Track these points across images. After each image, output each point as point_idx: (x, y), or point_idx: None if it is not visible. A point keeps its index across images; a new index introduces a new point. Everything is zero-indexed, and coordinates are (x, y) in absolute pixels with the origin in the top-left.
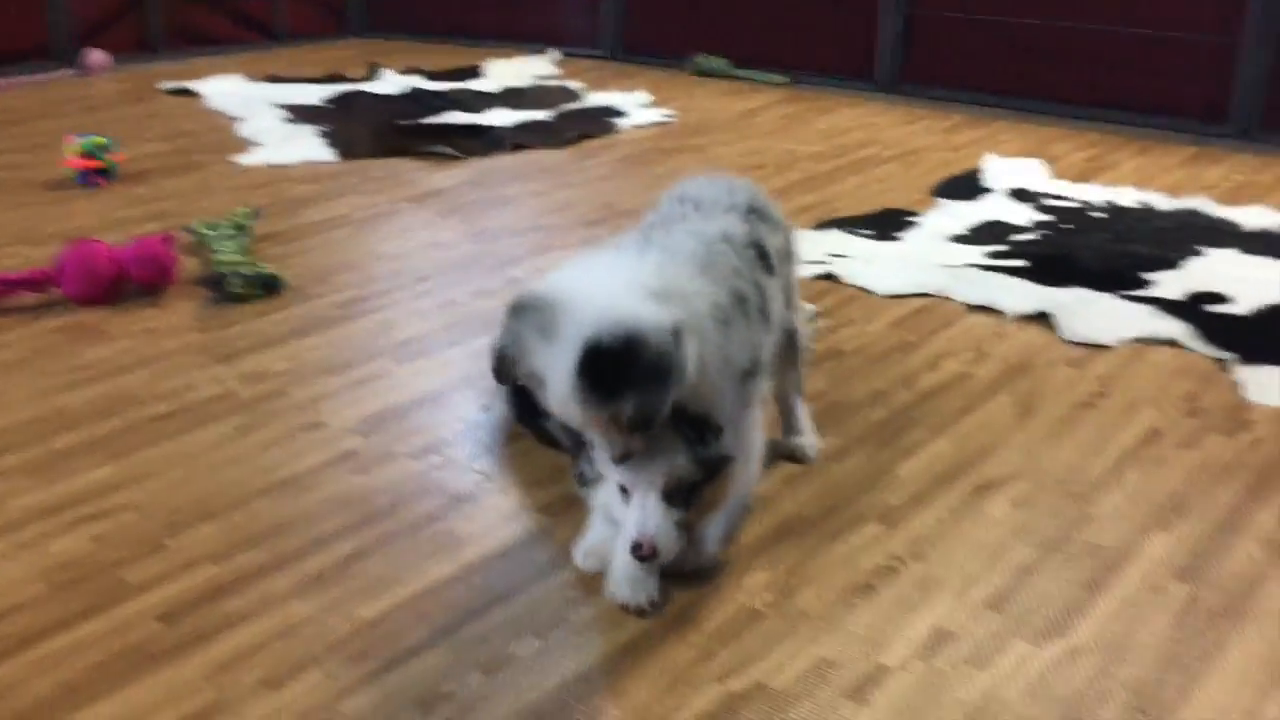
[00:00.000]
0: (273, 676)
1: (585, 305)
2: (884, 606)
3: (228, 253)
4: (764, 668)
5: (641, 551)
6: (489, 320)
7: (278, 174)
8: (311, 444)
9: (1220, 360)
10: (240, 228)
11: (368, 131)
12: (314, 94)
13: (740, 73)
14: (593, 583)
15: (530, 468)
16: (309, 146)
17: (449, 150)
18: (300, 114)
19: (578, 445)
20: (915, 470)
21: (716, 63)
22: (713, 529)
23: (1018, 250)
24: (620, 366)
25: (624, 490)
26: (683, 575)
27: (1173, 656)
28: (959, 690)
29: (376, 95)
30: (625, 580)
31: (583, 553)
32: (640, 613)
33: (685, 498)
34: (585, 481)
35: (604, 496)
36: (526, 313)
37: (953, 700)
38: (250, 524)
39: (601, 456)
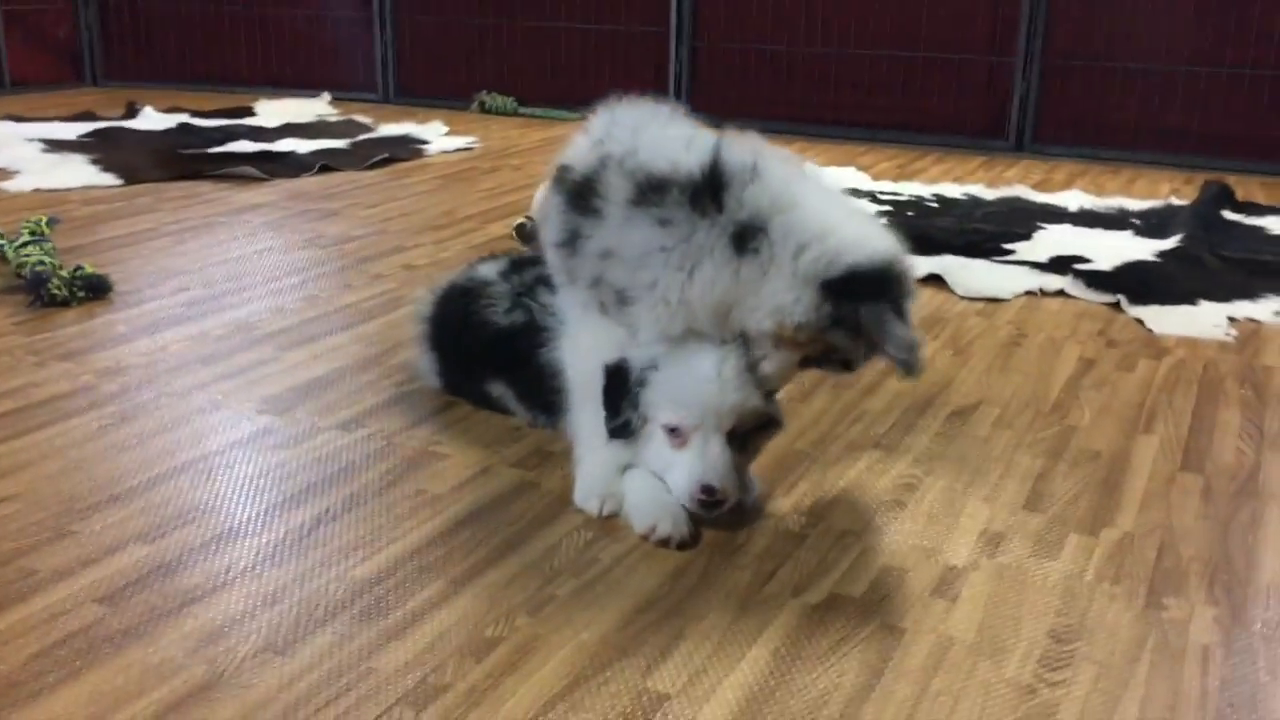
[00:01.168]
0: (275, 643)
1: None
2: (920, 519)
3: (35, 256)
4: (833, 580)
5: (715, 496)
6: (363, 312)
7: (54, 197)
8: (210, 426)
9: (1110, 303)
10: (38, 234)
11: (149, 159)
12: (67, 130)
13: (526, 110)
14: (607, 525)
15: (481, 430)
16: (82, 173)
17: (252, 171)
18: (58, 146)
19: (616, 395)
20: (884, 405)
21: (502, 101)
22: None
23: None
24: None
25: (672, 431)
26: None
27: (1222, 533)
28: (1038, 578)
29: (142, 131)
30: (664, 514)
31: (594, 497)
32: (682, 545)
33: (744, 443)
34: (627, 431)
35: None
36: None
37: (1037, 586)
38: (172, 502)
39: (664, 396)
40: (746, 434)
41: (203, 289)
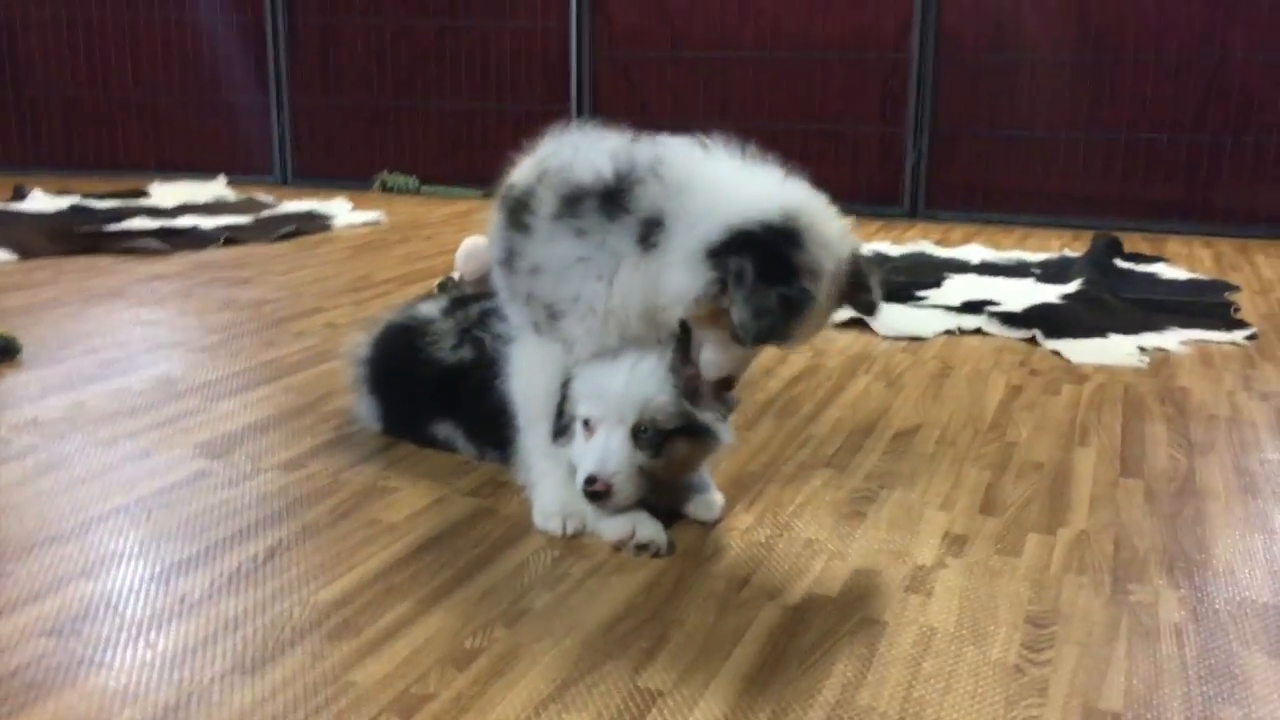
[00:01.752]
0: (244, 663)
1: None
2: (882, 526)
3: None
4: (807, 583)
5: (595, 486)
6: (289, 366)
7: None
8: (143, 471)
9: (1026, 339)
10: None
11: (43, 236)
12: None
13: (429, 189)
14: (573, 544)
15: (430, 465)
16: None
17: (155, 244)
18: None
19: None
20: (827, 430)
21: (404, 180)
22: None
23: None
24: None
25: (586, 425)
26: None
27: (1171, 527)
28: (1005, 572)
29: (33, 212)
30: (641, 520)
31: (554, 516)
32: (657, 553)
33: (655, 444)
34: (565, 432)
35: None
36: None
37: (1008, 577)
38: (112, 541)
39: (581, 389)
40: (662, 435)
41: (117, 350)
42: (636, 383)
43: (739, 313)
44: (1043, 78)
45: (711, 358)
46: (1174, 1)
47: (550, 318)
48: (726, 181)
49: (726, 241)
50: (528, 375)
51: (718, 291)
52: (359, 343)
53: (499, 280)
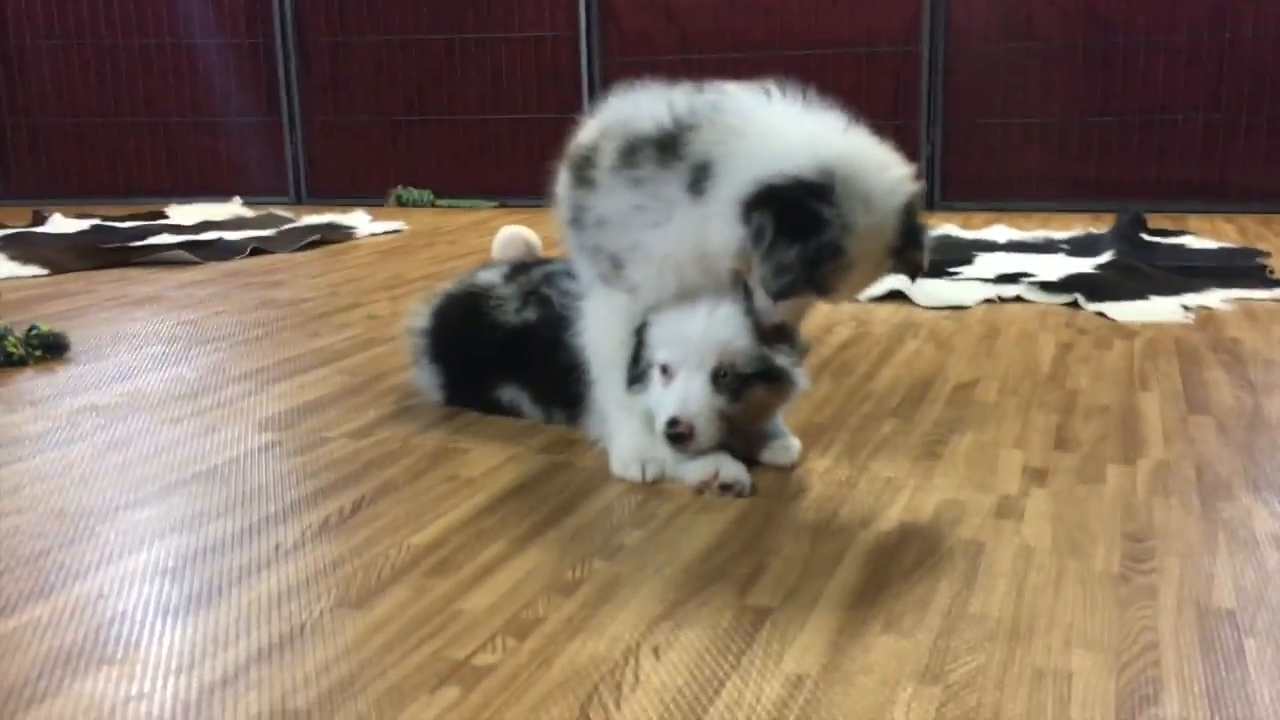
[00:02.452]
0: (350, 598)
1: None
2: (960, 464)
3: None
4: (897, 512)
5: (678, 429)
6: (339, 352)
7: None
8: (212, 445)
9: (1068, 303)
10: None
11: (70, 253)
12: None
13: (443, 202)
14: (655, 488)
15: (498, 428)
16: (2, 268)
17: (184, 255)
18: None
19: (637, 347)
20: (886, 386)
21: (418, 194)
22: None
23: None
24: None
25: (665, 372)
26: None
27: (1249, 454)
28: (1093, 498)
29: (55, 233)
30: (724, 462)
31: (634, 463)
32: (741, 493)
33: (734, 388)
34: (642, 379)
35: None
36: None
37: (1096, 502)
38: (193, 504)
39: (659, 335)
40: (741, 380)
41: (164, 345)
42: (715, 327)
43: (758, 269)
44: (1054, 65)
45: (764, 305)
46: None
47: (614, 267)
48: (775, 129)
49: (754, 196)
50: (599, 326)
51: (749, 248)
52: (417, 313)
53: (569, 239)
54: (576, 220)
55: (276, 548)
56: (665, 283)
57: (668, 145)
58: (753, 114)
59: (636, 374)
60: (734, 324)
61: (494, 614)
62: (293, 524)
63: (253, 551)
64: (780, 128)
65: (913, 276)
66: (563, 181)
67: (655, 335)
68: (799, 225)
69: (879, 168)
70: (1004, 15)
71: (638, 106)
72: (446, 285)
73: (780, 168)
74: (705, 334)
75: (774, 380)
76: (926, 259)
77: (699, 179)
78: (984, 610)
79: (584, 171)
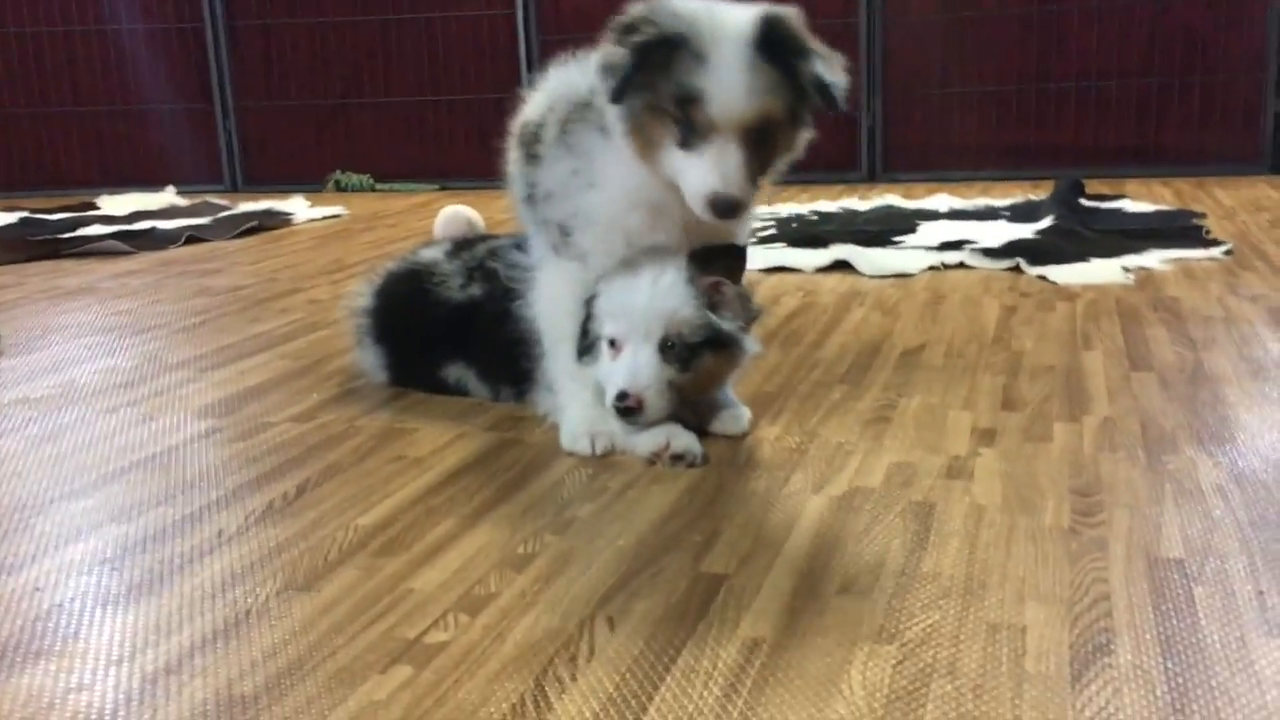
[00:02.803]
0: (297, 581)
1: None
2: (909, 426)
3: None
4: (848, 476)
5: (627, 402)
6: (279, 337)
7: None
8: (150, 433)
9: (1010, 268)
10: None
11: None
12: None
13: (383, 186)
14: (606, 461)
15: (444, 408)
16: None
17: (117, 245)
18: None
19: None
20: (834, 354)
21: (357, 179)
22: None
23: (773, 238)
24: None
25: (612, 345)
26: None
27: (1191, 408)
28: (1040, 454)
29: None
30: (675, 432)
31: (583, 436)
32: (692, 463)
33: (682, 358)
34: (590, 351)
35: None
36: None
37: (1044, 459)
38: (133, 492)
39: (605, 307)
40: (690, 349)
41: (98, 335)
42: (660, 297)
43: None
44: (990, 33)
45: (693, 174)
46: None
47: (563, 236)
48: None
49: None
50: (550, 299)
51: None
52: (359, 293)
53: (524, 216)
54: (529, 197)
55: (219, 534)
56: (612, 244)
57: (589, 104)
58: None
59: (585, 346)
60: (677, 292)
61: (445, 591)
62: (236, 510)
63: (195, 539)
64: None
65: (825, 99)
66: (513, 159)
67: (601, 308)
68: (631, 43)
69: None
70: None
71: (572, 76)
72: (389, 264)
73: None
74: (650, 304)
75: (723, 347)
76: (821, 70)
77: (603, 119)
78: (937, 569)
79: (532, 147)
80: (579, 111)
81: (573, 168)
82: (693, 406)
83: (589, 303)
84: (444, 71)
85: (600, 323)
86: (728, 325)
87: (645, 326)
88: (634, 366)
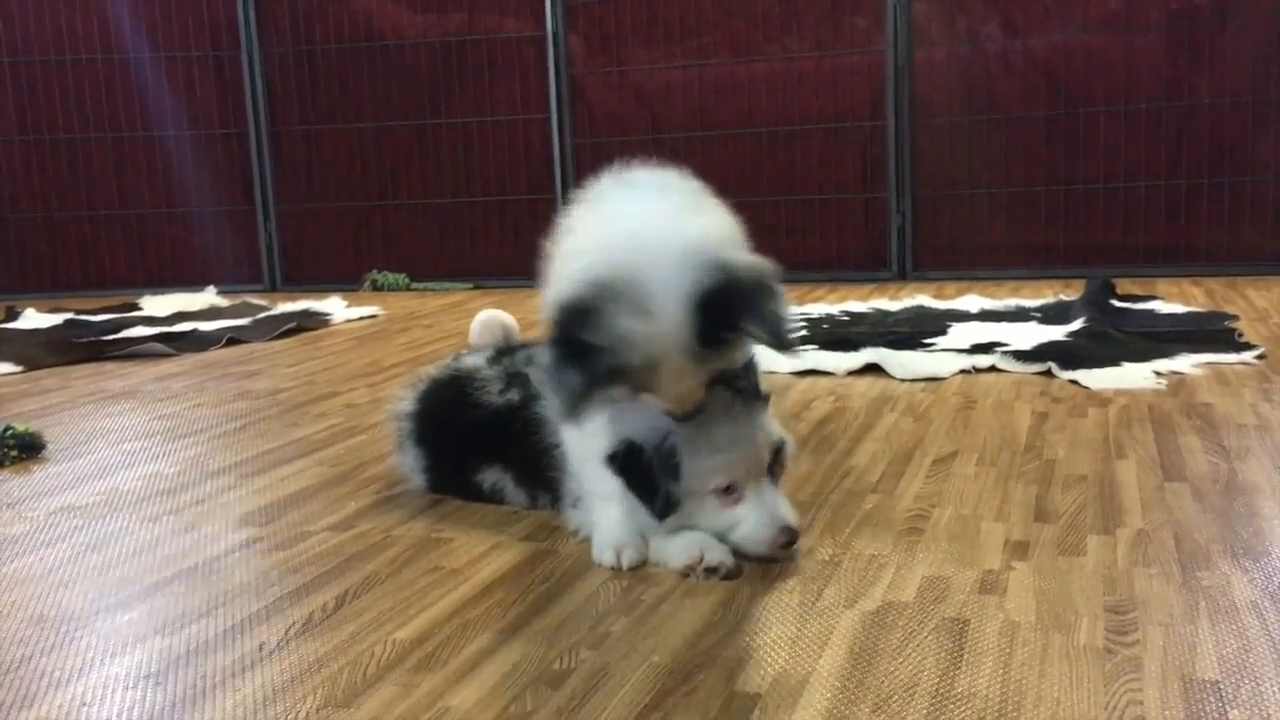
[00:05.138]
0: (337, 697)
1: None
2: (942, 539)
3: None
4: (881, 590)
5: (793, 537)
6: (318, 442)
7: None
8: (192, 543)
9: (1041, 372)
10: None
11: (43, 348)
12: None
13: (418, 285)
14: (641, 573)
15: (479, 516)
16: None
17: (159, 347)
18: None
19: (647, 475)
20: (866, 461)
21: (393, 278)
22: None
23: (805, 339)
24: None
25: (728, 491)
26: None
27: (1225, 521)
28: (1075, 570)
29: (28, 329)
30: (708, 545)
31: (608, 548)
32: (728, 575)
33: (774, 471)
34: (672, 507)
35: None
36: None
37: (1078, 574)
38: (176, 605)
39: (707, 465)
40: (772, 465)
41: (141, 440)
42: (754, 433)
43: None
44: (1017, 135)
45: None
46: (1140, 54)
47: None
48: (583, 241)
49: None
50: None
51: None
52: (402, 397)
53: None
54: None
55: (260, 647)
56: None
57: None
58: (576, 222)
59: (664, 504)
60: (755, 419)
61: (482, 710)
62: (276, 622)
63: (236, 653)
64: (586, 238)
65: (777, 349)
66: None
67: (699, 466)
68: (573, 353)
69: (666, 266)
70: (967, 87)
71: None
72: (431, 370)
73: (558, 291)
74: (753, 442)
75: (783, 449)
76: (769, 332)
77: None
78: (971, 689)
79: None
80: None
81: None
82: None
83: (647, 460)
84: (479, 174)
85: (702, 479)
86: (779, 431)
87: (760, 463)
88: (776, 503)
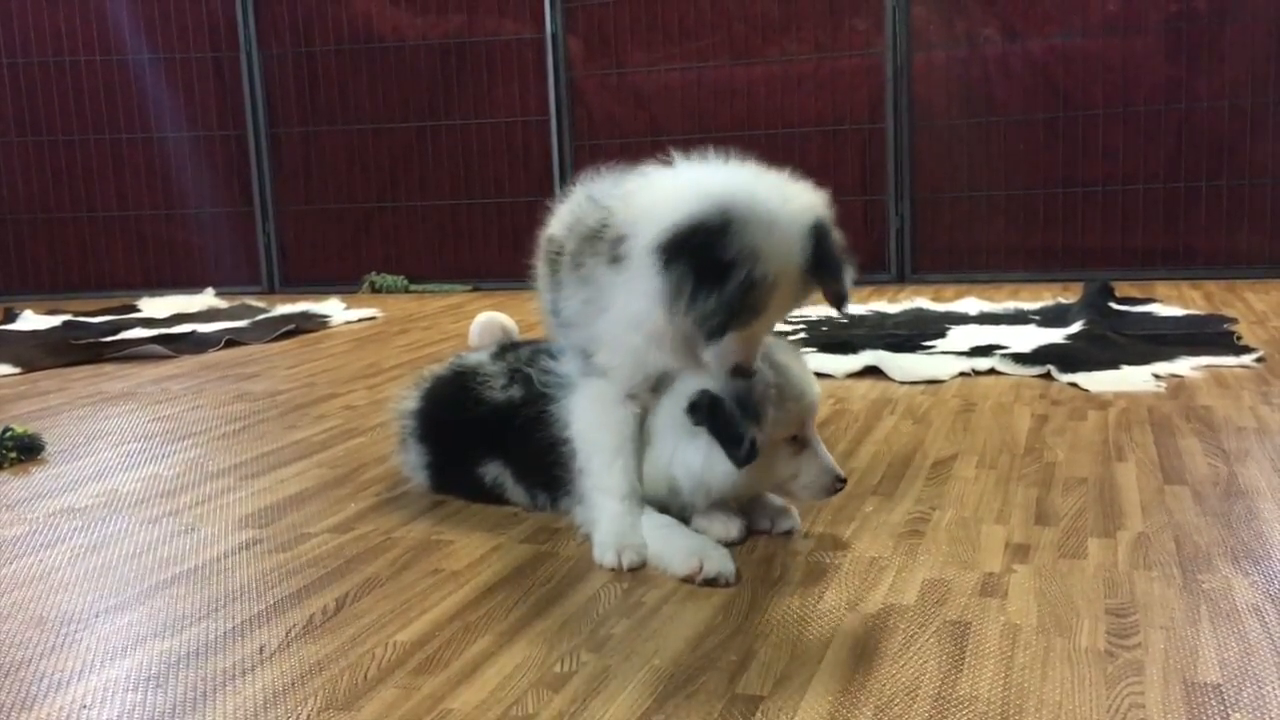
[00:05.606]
0: (337, 699)
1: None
2: (943, 542)
3: None
4: (882, 594)
5: (843, 484)
6: (317, 444)
7: None
8: (192, 545)
9: (1041, 375)
10: None
11: (41, 350)
12: None
13: (417, 287)
14: (642, 574)
15: (480, 519)
16: None
17: (158, 349)
18: None
19: (731, 423)
20: (866, 463)
21: (392, 280)
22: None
23: (804, 342)
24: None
25: (795, 439)
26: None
27: (1226, 524)
28: (1075, 572)
29: (26, 330)
30: (708, 553)
31: (610, 550)
32: (728, 582)
33: None
34: (755, 453)
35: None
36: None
37: (1078, 576)
38: (176, 606)
39: (792, 411)
40: None
41: (140, 442)
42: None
43: (686, 322)
44: (1016, 138)
45: (719, 352)
46: (1139, 57)
47: (585, 359)
48: (668, 186)
49: (662, 247)
50: (586, 415)
51: (672, 300)
52: (405, 395)
53: (548, 324)
54: (555, 313)
55: (261, 650)
56: (631, 364)
57: (598, 234)
58: (651, 179)
59: (750, 448)
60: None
61: (483, 713)
62: (277, 625)
63: (237, 655)
64: (672, 183)
65: (837, 305)
66: (541, 275)
67: (785, 413)
68: (712, 269)
69: (778, 196)
70: (965, 90)
71: (585, 203)
72: (435, 368)
73: (675, 217)
74: (819, 394)
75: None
76: (847, 285)
77: (615, 250)
78: (973, 692)
79: (555, 271)
80: (588, 243)
81: (585, 298)
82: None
83: (727, 409)
84: (478, 175)
85: (779, 427)
86: None
87: (815, 418)
88: (825, 453)
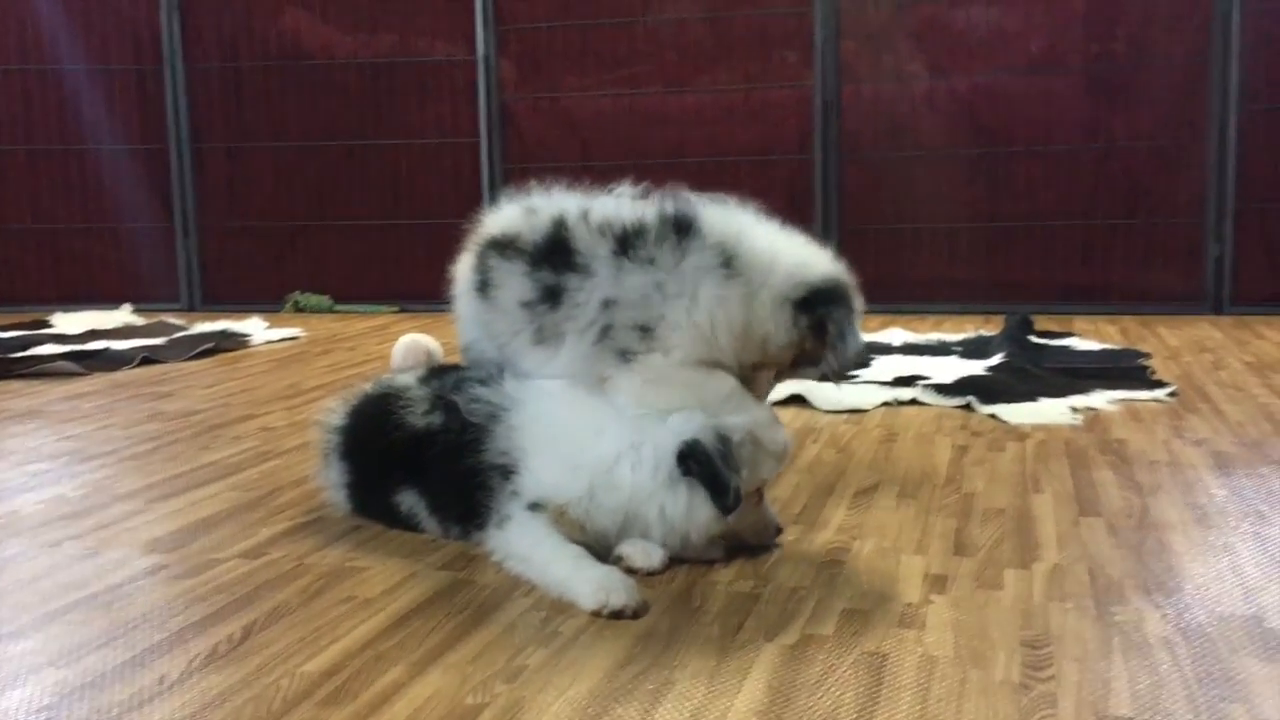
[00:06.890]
0: None
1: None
2: (862, 572)
3: None
4: (800, 624)
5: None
6: (231, 466)
7: None
8: (95, 570)
9: (961, 406)
10: None
11: None
12: None
13: (342, 307)
14: (560, 604)
15: (396, 545)
16: None
17: (69, 366)
18: None
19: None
20: (789, 492)
21: (317, 299)
22: None
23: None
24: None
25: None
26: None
27: (1138, 556)
28: (992, 603)
29: None
30: (612, 585)
31: (607, 592)
32: (636, 615)
33: None
34: (738, 502)
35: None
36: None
37: (995, 608)
38: (75, 633)
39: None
40: None
41: (45, 462)
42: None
43: (835, 354)
44: (941, 173)
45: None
46: (1059, 97)
47: (643, 336)
48: (775, 239)
49: (813, 296)
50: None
51: (807, 336)
52: (333, 410)
53: (522, 321)
54: (549, 301)
55: (161, 680)
56: (697, 349)
57: (682, 230)
58: (737, 215)
59: (735, 498)
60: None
61: None
62: (179, 654)
63: (135, 685)
64: (777, 239)
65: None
66: (508, 268)
67: (762, 465)
68: (853, 318)
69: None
70: (892, 125)
71: (598, 202)
72: (365, 385)
73: (811, 276)
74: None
75: None
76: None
77: (729, 262)
78: None
79: (565, 257)
80: (654, 235)
81: (656, 280)
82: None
83: (710, 456)
84: (407, 196)
85: (754, 477)
86: None
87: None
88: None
